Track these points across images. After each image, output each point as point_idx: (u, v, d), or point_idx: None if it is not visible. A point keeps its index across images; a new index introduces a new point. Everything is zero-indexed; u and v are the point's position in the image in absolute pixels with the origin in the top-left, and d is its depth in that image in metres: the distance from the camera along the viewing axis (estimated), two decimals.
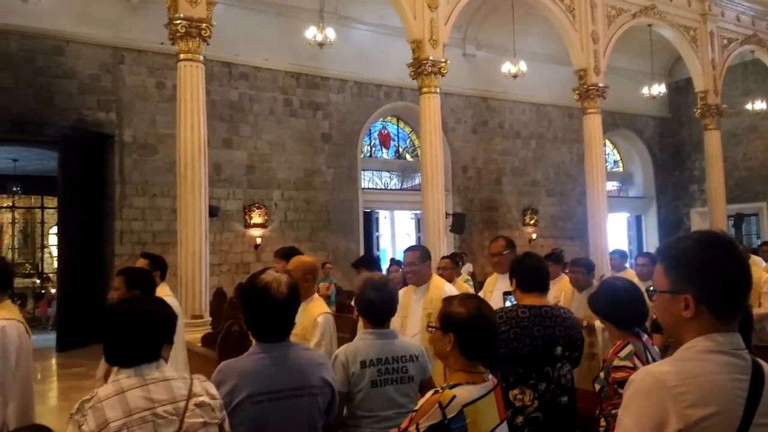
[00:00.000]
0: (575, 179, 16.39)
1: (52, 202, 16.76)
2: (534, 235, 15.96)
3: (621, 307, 2.74)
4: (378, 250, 14.86)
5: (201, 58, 8.26)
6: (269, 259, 12.23)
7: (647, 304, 2.89)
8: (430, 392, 2.08)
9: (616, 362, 2.59)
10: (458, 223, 14.05)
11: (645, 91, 14.97)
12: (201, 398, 1.95)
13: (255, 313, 2.28)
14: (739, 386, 1.43)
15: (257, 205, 12.50)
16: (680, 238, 1.59)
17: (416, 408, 2.06)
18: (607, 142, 17.74)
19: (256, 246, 12.40)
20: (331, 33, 10.40)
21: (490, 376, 2.19)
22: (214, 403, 1.99)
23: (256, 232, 12.43)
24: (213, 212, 10.03)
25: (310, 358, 2.37)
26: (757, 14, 15.16)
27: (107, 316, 2.02)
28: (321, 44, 10.39)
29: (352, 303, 7.78)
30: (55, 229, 15.78)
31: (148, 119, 11.55)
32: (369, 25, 13.71)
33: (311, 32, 10.42)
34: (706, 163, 14.73)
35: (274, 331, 2.28)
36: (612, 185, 17.78)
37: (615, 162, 19.24)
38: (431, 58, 9.95)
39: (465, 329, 2.14)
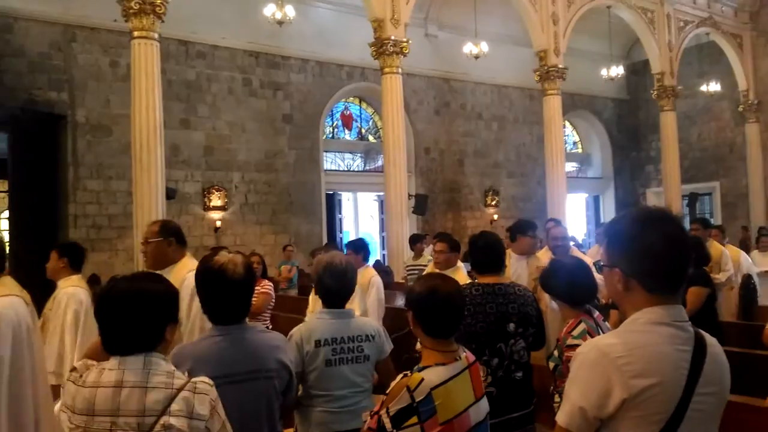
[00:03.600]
0: (536, 160, 16.57)
1: (2, 185, 16.19)
2: (495, 216, 16.12)
3: (573, 284, 2.78)
4: (341, 232, 14.80)
5: (156, 35, 8.10)
6: (230, 242, 12.10)
7: (593, 282, 2.95)
8: (400, 375, 2.08)
9: (570, 341, 2.64)
10: (421, 205, 14.09)
11: (603, 72, 15.16)
12: (173, 419, 1.69)
13: (212, 295, 2.26)
14: (682, 357, 1.47)
15: (216, 187, 12.29)
16: (620, 216, 1.64)
17: (387, 392, 2.06)
18: (567, 124, 17.95)
19: (216, 229, 12.23)
20: (290, 11, 10.21)
21: (464, 354, 2.20)
22: (193, 425, 1.72)
23: (215, 215, 12.24)
24: (170, 194, 9.83)
25: (267, 341, 2.36)
26: None
27: (100, 298, 1.85)
28: (280, 22, 10.20)
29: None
30: (5, 214, 15.28)
31: (102, 99, 11.21)
32: (330, 4, 13.52)
33: (270, 9, 10.21)
34: (662, 144, 15.07)
35: (230, 313, 2.26)
36: (571, 166, 18.02)
37: (574, 143, 19.50)
38: (393, 37, 9.89)
39: (418, 306, 2.18)
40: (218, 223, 12.25)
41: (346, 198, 15.42)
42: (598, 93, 18.49)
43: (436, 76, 15.50)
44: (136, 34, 7.98)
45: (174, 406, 1.71)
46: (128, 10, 7.88)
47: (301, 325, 2.81)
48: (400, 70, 10.11)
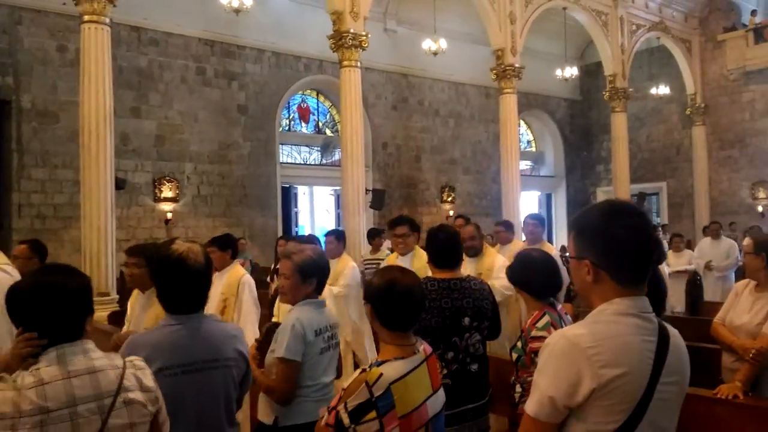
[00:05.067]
0: (491, 158, 16.75)
1: None
2: (451, 212, 16.22)
3: (536, 277, 2.81)
4: (296, 226, 14.67)
5: (107, 20, 7.81)
6: (181, 234, 11.83)
7: (562, 274, 2.98)
8: (358, 371, 2.07)
9: (534, 332, 2.67)
10: (378, 200, 14.08)
11: (558, 73, 15.42)
12: (131, 394, 1.75)
13: (170, 285, 2.22)
14: (647, 347, 1.49)
15: (168, 178, 11.99)
16: (588, 208, 1.65)
17: (345, 387, 2.04)
18: (522, 122, 18.20)
19: (167, 221, 11.93)
20: None
21: (422, 347, 2.19)
22: (147, 397, 1.79)
23: (166, 207, 11.95)
24: (119, 185, 9.54)
25: (224, 330, 2.33)
26: (663, 2, 15.93)
27: (14, 295, 1.79)
28: (237, 11, 10.00)
29: (269, 279, 7.65)
30: None
31: (49, 85, 10.79)
32: None
33: None
34: (613, 144, 15.42)
35: (189, 303, 2.23)
36: (525, 164, 18.30)
37: (528, 142, 19.80)
38: (352, 30, 9.81)
39: (377, 299, 2.15)
40: (169, 215, 11.96)
41: (302, 192, 15.28)
42: (552, 93, 18.82)
43: (395, 72, 15.50)
44: (86, 18, 7.68)
45: (126, 383, 1.76)
46: None
47: (297, 315, 2.74)
48: (358, 64, 10.04)
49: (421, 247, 5.19)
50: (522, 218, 12.11)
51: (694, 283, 6.94)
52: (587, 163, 19.95)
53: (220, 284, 4.78)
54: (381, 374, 1.99)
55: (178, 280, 2.19)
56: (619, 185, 15.03)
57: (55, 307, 1.73)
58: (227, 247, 4.81)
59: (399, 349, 2.11)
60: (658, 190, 18.34)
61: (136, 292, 3.73)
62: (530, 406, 1.50)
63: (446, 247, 3.18)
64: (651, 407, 1.45)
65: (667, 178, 18.11)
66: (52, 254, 10.10)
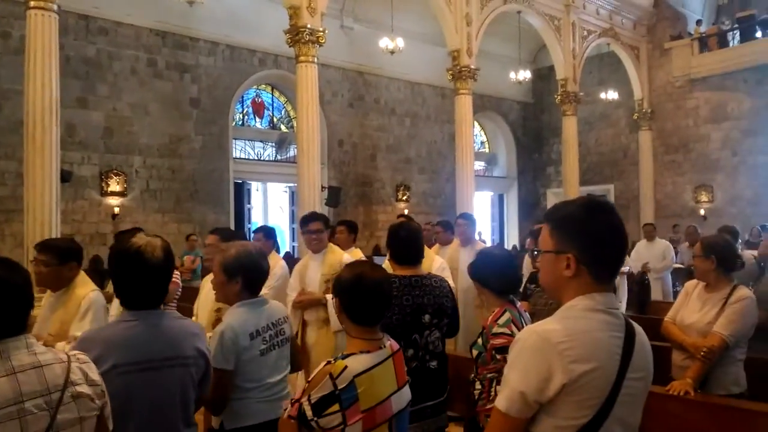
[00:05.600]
0: (446, 158, 16.88)
1: None
2: (406, 211, 16.26)
3: (496, 274, 2.82)
4: (249, 222, 14.45)
5: (54, 7, 7.59)
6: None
7: (519, 273, 3.00)
8: (323, 363, 2.05)
9: (495, 329, 2.67)
10: (334, 197, 14.01)
11: (512, 76, 15.64)
12: (79, 388, 1.70)
13: (128, 279, 2.14)
14: (616, 343, 1.51)
15: (116, 171, 11.63)
16: (566, 202, 1.66)
17: (309, 379, 2.03)
18: (476, 123, 18.40)
19: (114, 215, 11.58)
20: None
21: (389, 343, 2.19)
22: (94, 391, 1.75)
23: (113, 201, 11.59)
24: (65, 177, 9.22)
25: (185, 327, 2.25)
26: (614, 9, 16.35)
27: None
28: (191, 2, 9.79)
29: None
30: None
31: None
32: None
33: None
34: (563, 147, 15.75)
35: (147, 299, 2.15)
36: (479, 165, 18.50)
37: (482, 143, 20.03)
38: (309, 26, 9.73)
39: (345, 293, 2.15)
40: (116, 210, 11.61)
41: (255, 188, 15.07)
42: (505, 95, 19.09)
43: (351, 69, 15.44)
44: (32, 4, 7.45)
45: (73, 377, 1.71)
46: None
47: (228, 321, 2.65)
48: (315, 60, 9.96)
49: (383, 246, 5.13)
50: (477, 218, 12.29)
51: (642, 283, 7.16)
52: (538, 165, 20.32)
53: None
54: (345, 366, 1.98)
55: (135, 274, 2.11)
56: (568, 187, 15.35)
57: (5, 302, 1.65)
58: (270, 236, 4.96)
59: (365, 343, 2.10)
60: (605, 193, 18.76)
61: (48, 293, 3.41)
62: (501, 402, 1.49)
63: (408, 244, 3.17)
64: (618, 402, 1.47)
65: (614, 181, 18.61)
66: None
